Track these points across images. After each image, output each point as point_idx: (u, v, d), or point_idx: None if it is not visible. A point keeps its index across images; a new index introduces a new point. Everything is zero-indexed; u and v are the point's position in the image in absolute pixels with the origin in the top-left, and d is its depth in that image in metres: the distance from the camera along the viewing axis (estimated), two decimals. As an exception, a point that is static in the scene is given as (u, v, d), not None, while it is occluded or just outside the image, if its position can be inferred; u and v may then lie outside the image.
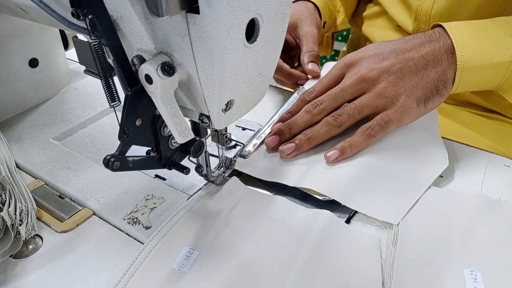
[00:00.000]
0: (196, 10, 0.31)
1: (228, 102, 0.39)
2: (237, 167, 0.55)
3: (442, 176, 0.55)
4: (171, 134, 0.43)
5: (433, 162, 0.55)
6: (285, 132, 0.57)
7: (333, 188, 0.51)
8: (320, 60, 0.73)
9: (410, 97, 0.55)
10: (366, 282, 0.42)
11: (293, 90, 0.71)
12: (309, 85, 0.67)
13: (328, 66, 0.70)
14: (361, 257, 0.45)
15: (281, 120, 0.60)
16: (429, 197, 0.51)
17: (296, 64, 0.75)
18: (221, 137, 0.48)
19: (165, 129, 0.42)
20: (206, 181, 0.53)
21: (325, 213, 0.49)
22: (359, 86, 0.57)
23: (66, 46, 0.76)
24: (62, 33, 0.74)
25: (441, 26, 0.58)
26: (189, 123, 0.41)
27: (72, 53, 0.79)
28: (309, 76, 0.72)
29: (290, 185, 0.52)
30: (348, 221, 0.49)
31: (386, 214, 0.48)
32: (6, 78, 0.66)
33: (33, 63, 0.69)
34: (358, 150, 0.55)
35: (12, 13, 0.55)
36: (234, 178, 0.54)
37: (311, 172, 0.53)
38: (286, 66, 0.72)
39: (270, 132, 0.59)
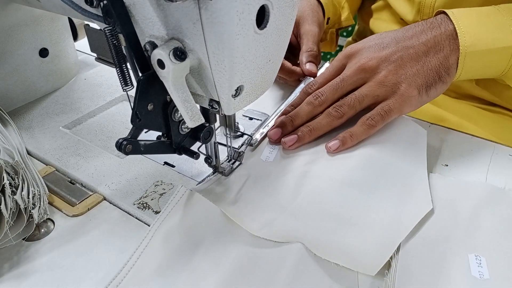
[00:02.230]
0: (208, -4, 0.32)
1: (237, 87, 0.40)
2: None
3: (447, 165, 0.56)
4: (182, 120, 0.44)
5: (416, 204, 0.48)
6: (287, 124, 0.58)
7: (303, 233, 0.45)
8: (323, 57, 0.73)
9: (411, 85, 0.55)
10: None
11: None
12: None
13: (326, 67, 0.71)
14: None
15: (284, 113, 0.60)
16: (434, 185, 0.52)
17: (298, 61, 0.75)
18: (230, 121, 0.49)
19: (176, 114, 0.43)
20: (214, 171, 0.54)
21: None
22: (359, 76, 0.57)
23: (75, 37, 0.76)
24: (72, 23, 0.75)
25: (443, 12, 0.58)
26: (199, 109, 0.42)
27: (81, 44, 0.80)
28: None
29: (251, 232, 0.46)
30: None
31: (364, 265, 0.42)
32: (17, 67, 0.67)
33: (43, 52, 0.70)
34: (358, 140, 0.55)
35: (24, 2, 0.56)
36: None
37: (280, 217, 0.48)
38: (288, 64, 0.72)
39: (273, 125, 0.59)
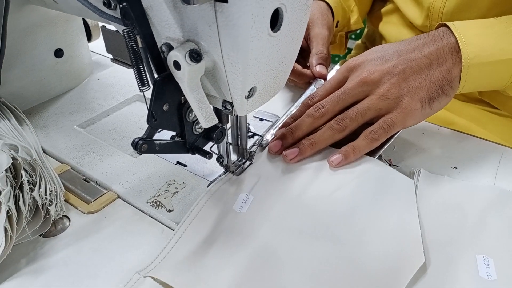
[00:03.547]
0: (224, -1, 0.33)
1: (251, 89, 0.41)
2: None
3: (456, 168, 0.57)
4: (195, 120, 0.45)
5: (408, 259, 0.43)
6: (288, 136, 0.57)
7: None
8: (333, 59, 0.74)
9: (413, 98, 0.54)
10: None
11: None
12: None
13: (336, 69, 0.71)
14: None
15: (284, 125, 0.59)
16: (443, 188, 0.53)
17: (308, 64, 0.76)
18: (241, 123, 0.50)
19: (190, 114, 0.44)
20: (226, 171, 0.55)
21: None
22: (361, 89, 0.56)
23: (89, 38, 0.78)
24: (86, 25, 0.76)
25: (445, 25, 0.57)
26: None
27: (94, 45, 0.82)
28: None
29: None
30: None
31: None
32: (32, 67, 0.68)
33: (58, 53, 0.71)
34: (361, 154, 0.54)
35: (41, 3, 0.57)
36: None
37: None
38: (298, 66, 0.73)
39: (274, 137, 0.58)
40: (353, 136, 0.55)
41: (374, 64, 0.57)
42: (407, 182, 0.52)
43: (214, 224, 0.47)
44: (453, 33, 0.56)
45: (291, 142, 0.57)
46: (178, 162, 0.58)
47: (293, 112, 0.62)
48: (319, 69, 0.70)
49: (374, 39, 1.00)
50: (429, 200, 0.51)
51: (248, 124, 0.62)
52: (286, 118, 0.61)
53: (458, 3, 0.71)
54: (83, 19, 0.75)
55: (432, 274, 0.43)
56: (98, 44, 0.76)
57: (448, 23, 0.57)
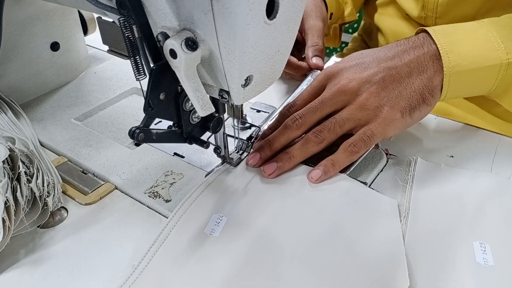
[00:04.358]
0: (220, -13, 0.33)
1: (247, 77, 0.41)
2: None
3: (453, 157, 0.57)
4: (192, 109, 0.45)
5: (393, 283, 0.41)
6: (265, 148, 0.54)
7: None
8: (328, 51, 0.73)
9: (393, 108, 0.52)
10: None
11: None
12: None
13: (335, 60, 0.71)
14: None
15: (262, 136, 0.57)
16: (440, 175, 0.53)
17: (303, 56, 0.75)
18: (237, 111, 0.50)
19: (187, 104, 0.44)
20: (223, 161, 0.55)
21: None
22: (339, 98, 0.54)
23: (85, 31, 0.78)
24: (82, 18, 0.76)
25: (425, 31, 0.56)
26: (209, 99, 0.43)
27: (91, 38, 0.81)
28: None
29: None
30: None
31: None
32: (29, 60, 0.68)
33: (55, 46, 0.71)
34: (341, 168, 0.52)
35: (37, -4, 0.57)
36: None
37: None
38: (294, 59, 0.72)
39: (252, 150, 0.55)
40: (333, 147, 0.54)
41: (352, 72, 0.55)
42: (390, 203, 0.49)
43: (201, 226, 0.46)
44: (433, 40, 0.54)
45: (269, 154, 0.54)
46: (175, 153, 0.58)
47: (271, 122, 0.60)
48: (315, 61, 0.70)
49: (370, 31, 1.00)
50: (426, 189, 0.51)
51: (245, 115, 0.62)
52: (265, 128, 0.58)
53: None
54: (79, 12, 0.75)
55: (430, 261, 0.43)
56: (95, 38, 0.76)
57: (428, 29, 0.55)
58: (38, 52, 0.69)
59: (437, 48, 0.53)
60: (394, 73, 0.54)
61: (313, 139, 0.53)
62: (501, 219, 0.47)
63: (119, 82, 0.75)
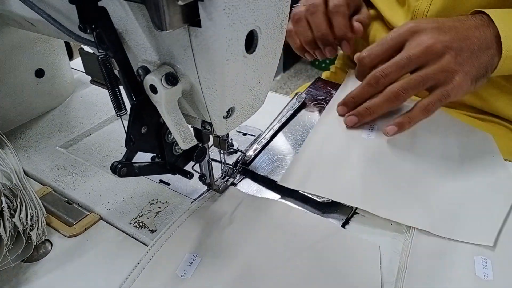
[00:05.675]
0: (197, 24, 0.33)
1: (229, 109, 0.41)
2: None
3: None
4: (175, 141, 0.45)
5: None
6: (349, 104, 0.63)
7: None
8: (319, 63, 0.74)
9: (467, 75, 0.57)
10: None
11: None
12: (339, 94, 0.71)
13: (351, 80, 0.72)
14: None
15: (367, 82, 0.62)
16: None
17: (326, 51, 0.77)
18: (223, 143, 0.50)
19: (169, 136, 0.44)
20: (209, 189, 0.55)
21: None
22: (425, 58, 0.57)
23: (70, 56, 0.78)
24: (67, 43, 0.76)
25: (484, 13, 0.60)
26: (192, 130, 0.43)
27: (76, 62, 0.81)
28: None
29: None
30: (347, 222, 0.51)
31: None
32: (13, 88, 0.68)
33: (39, 73, 0.71)
34: (415, 123, 0.58)
35: (19, 26, 0.57)
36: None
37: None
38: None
39: (340, 102, 0.65)
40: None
41: (435, 32, 0.58)
42: (372, 247, 0.48)
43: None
44: (494, 23, 0.58)
45: (353, 108, 0.63)
46: (161, 181, 0.58)
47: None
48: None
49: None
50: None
51: (231, 139, 0.62)
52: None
53: (442, 6, 0.71)
54: (64, 37, 0.75)
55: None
56: (80, 62, 0.76)
57: (488, 12, 0.59)
58: (22, 80, 0.69)
59: (498, 31, 0.58)
60: (469, 43, 0.58)
61: (399, 96, 0.58)
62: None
63: (105, 107, 0.75)
